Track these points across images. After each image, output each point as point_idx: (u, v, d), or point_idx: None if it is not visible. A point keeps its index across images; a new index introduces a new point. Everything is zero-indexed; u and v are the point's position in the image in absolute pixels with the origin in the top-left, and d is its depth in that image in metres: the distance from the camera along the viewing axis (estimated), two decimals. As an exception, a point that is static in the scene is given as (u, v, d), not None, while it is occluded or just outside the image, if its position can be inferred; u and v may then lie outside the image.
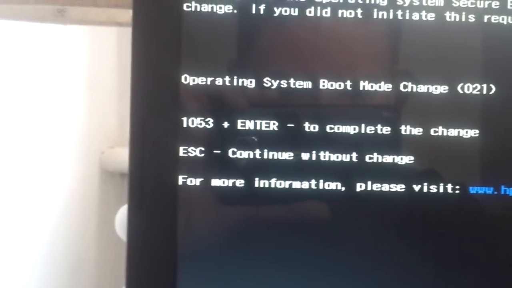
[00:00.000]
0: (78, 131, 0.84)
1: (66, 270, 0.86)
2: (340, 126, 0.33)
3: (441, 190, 0.33)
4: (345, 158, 0.33)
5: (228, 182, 0.33)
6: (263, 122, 0.33)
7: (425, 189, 0.34)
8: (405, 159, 0.33)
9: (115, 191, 0.89)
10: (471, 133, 0.33)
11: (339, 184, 0.33)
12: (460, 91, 0.33)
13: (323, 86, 0.33)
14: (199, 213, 0.34)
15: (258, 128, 0.33)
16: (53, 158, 0.82)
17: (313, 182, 0.33)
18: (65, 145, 0.83)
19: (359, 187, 0.33)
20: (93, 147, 0.87)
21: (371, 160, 0.33)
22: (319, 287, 0.34)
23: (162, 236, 0.33)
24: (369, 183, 0.33)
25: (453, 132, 0.33)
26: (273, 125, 0.33)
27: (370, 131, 0.33)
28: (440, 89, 0.33)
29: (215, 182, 0.33)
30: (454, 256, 0.34)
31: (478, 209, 0.34)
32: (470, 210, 0.34)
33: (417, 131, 0.33)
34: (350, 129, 0.33)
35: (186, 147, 0.33)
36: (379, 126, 0.33)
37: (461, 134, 0.33)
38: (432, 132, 0.33)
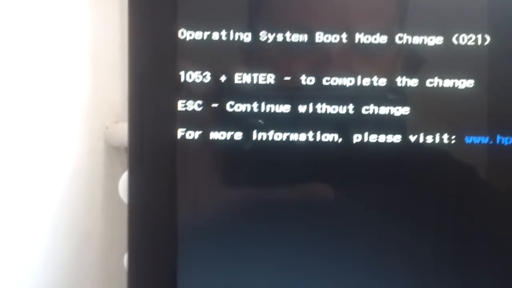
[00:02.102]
0: (82, 106, 0.85)
1: (72, 245, 0.87)
2: (336, 79, 0.34)
3: (437, 140, 0.34)
4: (342, 110, 0.34)
5: (227, 135, 0.33)
6: (260, 75, 0.33)
7: (421, 140, 0.34)
8: (401, 110, 0.34)
9: (120, 166, 0.90)
10: (466, 83, 0.34)
11: (336, 136, 0.34)
12: (455, 42, 0.33)
13: (319, 39, 0.33)
14: (198, 167, 0.34)
15: (255, 81, 0.33)
16: (57, 134, 0.82)
17: (310, 134, 0.34)
18: (69, 120, 0.83)
19: (356, 138, 0.34)
20: (97, 122, 0.87)
21: (367, 112, 0.33)
22: (323, 271, 0.34)
23: (162, 190, 0.34)
24: (366, 134, 0.34)
25: (448, 83, 0.34)
26: (270, 79, 0.33)
27: (366, 83, 0.34)
28: (435, 40, 0.33)
29: (214, 135, 0.33)
30: (452, 206, 0.34)
31: (474, 158, 0.34)
32: (466, 159, 0.34)
33: (413, 82, 0.34)
34: (346, 81, 0.34)
35: (184, 101, 0.33)
36: (375, 78, 0.34)
37: (456, 85, 0.34)
38: (428, 83, 0.34)
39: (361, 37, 0.33)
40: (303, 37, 0.33)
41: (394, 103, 0.33)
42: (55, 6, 0.79)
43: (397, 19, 0.34)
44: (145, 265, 0.34)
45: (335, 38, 0.33)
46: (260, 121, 0.33)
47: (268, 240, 0.34)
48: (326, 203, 0.33)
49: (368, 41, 0.33)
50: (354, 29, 0.33)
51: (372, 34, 0.33)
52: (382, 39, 0.33)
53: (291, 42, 0.33)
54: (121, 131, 0.89)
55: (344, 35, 0.33)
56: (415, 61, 0.34)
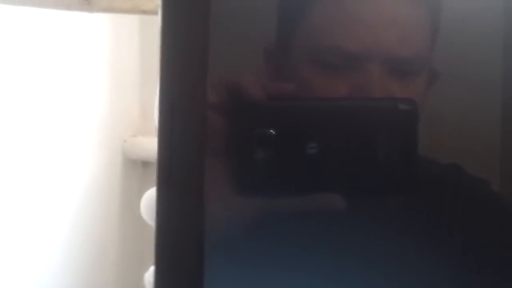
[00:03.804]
0: (101, 119, 0.85)
1: (89, 258, 0.87)
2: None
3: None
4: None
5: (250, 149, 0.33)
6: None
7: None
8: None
9: (137, 179, 0.90)
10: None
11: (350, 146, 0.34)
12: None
13: (356, 62, 0.33)
14: (224, 184, 0.34)
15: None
16: (76, 147, 0.83)
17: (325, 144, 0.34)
18: (88, 134, 0.84)
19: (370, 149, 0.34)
20: (115, 135, 0.88)
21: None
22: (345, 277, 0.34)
23: (190, 216, 0.33)
24: (380, 145, 0.34)
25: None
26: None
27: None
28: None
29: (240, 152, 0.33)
30: (465, 220, 0.34)
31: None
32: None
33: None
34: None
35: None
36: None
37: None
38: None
39: (399, 62, 0.33)
40: (341, 60, 0.33)
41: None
42: (75, 21, 0.80)
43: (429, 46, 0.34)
44: (172, 285, 0.34)
45: (372, 62, 0.33)
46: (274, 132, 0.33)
47: (289, 253, 0.34)
48: (339, 214, 0.34)
49: (404, 66, 0.33)
50: (390, 53, 0.33)
51: (407, 59, 0.33)
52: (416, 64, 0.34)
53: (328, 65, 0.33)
54: (139, 144, 0.90)
55: (380, 59, 0.33)
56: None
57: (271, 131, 0.33)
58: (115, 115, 0.87)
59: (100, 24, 0.84)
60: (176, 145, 0.33)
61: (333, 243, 0.34)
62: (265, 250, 0.34)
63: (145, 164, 0.90)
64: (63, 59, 0.79)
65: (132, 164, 0.90)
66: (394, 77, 0.33)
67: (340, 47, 0.33)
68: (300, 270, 0.34)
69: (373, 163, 0.33)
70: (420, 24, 0.34)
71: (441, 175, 0.34)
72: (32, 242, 0.79)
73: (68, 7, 0.61)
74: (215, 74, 0.33)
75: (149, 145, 0.86)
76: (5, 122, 0.73)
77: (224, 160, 0.33)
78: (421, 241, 0.34)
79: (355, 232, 0.34)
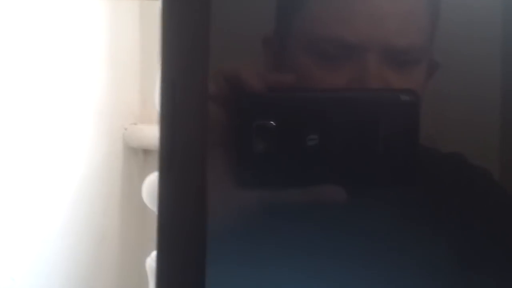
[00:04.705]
0: (101, 107, 0.85)
1: (89, 246, 0.87)
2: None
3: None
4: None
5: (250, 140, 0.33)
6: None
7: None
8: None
9: (138, 167, 0.90)
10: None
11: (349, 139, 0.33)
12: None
13: (354, 52, 0.33)
14: (226, 172, 0.34)
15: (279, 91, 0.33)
16: (76, 135, 0.83)
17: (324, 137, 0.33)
18: (88, 122, 0.84)
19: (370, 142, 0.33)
20: (116, 123, 0.88)
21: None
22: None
23: (192, 203, 0.34)
24: (380, 138, 0.33)
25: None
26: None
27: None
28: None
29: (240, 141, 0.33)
30: (466, 208, 0.34)
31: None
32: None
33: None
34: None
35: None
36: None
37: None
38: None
39: (396, 53, 0.33)
40: (339, 51, 0.33)
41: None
42: (74, 9, 0.80)
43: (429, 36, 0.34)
44: (174, 269, 0.34)
45: (371, 53, 0.33)
46: (274, 123, 0.33)
47: (290, 243, 0.34)
48: (339, 205, 0.34)
49: (402, 56, 0.33)
50: (388, 43, 0.33)
51: (405, 49, 0.33)
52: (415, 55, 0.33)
53: (325, 57, 0.33)
54: (139, 132, 0.90)
55: (378, 49, 0.33)
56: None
57: (272, 122, 0.33)
58: (116, 103, 0.86)
59: (99, 10, 0.83)
60: (177, 134, 0.33)
61: (333, 234, 0.34)
62: (265, 240, 0.34)
63: (146, 152, 0.89)
64: (62, 45, 0.79)
65: (133, 152, 0.90)
66: (392, 67, 0.33)
67: (338, 37, 0.33)
68: (301, 260, 0.34)
69: (374, 155, 0.33)
70: (419, 14, 0.34)
71: (442, 164, 0.34)
72: (32, 230, 0.79)
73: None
74: (216, 63, 0.33)
75: (150, 132, 0.85)
76: (3, 112, 0.72)
77: (225, 151, 0.33)
78: (421, 231, 0.34)
79: (355, 223, 0.34)
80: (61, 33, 0.79)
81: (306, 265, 0.34)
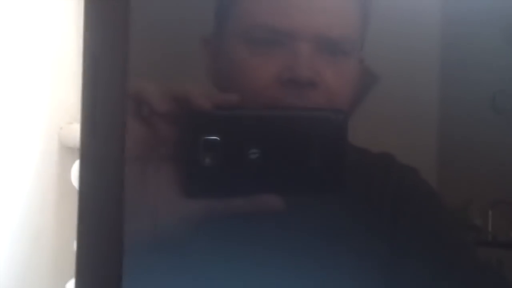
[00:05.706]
0: (37, 106, 0.84)
1: (23, 246, 0.86)
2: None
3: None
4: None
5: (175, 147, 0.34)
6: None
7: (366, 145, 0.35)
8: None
9: (73, 166, 0.89)
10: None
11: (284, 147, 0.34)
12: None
13: (287, 41, 0.34)
14: (172, 197, 0.34)
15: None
16: (11, 133, 0.82)
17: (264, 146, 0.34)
18: (24, 120, 0.83)
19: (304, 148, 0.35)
20: (52, 122, 0.87)
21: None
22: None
23: (111, 180, 0.34)
24: (313, 145, 0.35)
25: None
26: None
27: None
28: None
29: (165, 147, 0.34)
30: (395, 206, 0.35)
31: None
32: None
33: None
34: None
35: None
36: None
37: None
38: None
39: (327, 43, 0.34)
40: (271, 39, 0.34)
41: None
42: (13, 8, 0.78)
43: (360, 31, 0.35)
44: (92, 252, 0.34)
45: (303, 42, 0.34)
46: (216, 137, 0.34)
47: (219, 251, 0.35)
48: (278, 213, 0.35)
49: (334, 48, 0.34)
50: (321, 34, 0.34)
51: (335, 40, 0.34)
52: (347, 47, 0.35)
53: (260, 44, 0.34)
54: (75, 132, 0.89)
55: (309, 37, 0.34)
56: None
57: (217, 138, 0.34)
58: (51, 102, 0.86)
59: (38, 12, 0.82)
60: (99, 98, 0.33)
61: (272, 240, 0.35)
62: (203, 248, 0.35)
63: (82, 151, 0.89)
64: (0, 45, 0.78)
65: (69, 151, 0.89)
66: (323, 56, 0.35)
67: (269, 25, 0.35)
68: (240, 266, 0.35)
69: (307, 166, 0.35)
70: (349, 11, 0.36)
71: (372, 164, 0.35)
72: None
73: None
74: (136, 74, 0.34)
75: (86, 132, 0.84)
76: None
77: (166, 165, 0.34)
78: (354, 231, 0.35)
79: (292, 229, 0.35)
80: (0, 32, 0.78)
81: (243, 270, 0.35)
